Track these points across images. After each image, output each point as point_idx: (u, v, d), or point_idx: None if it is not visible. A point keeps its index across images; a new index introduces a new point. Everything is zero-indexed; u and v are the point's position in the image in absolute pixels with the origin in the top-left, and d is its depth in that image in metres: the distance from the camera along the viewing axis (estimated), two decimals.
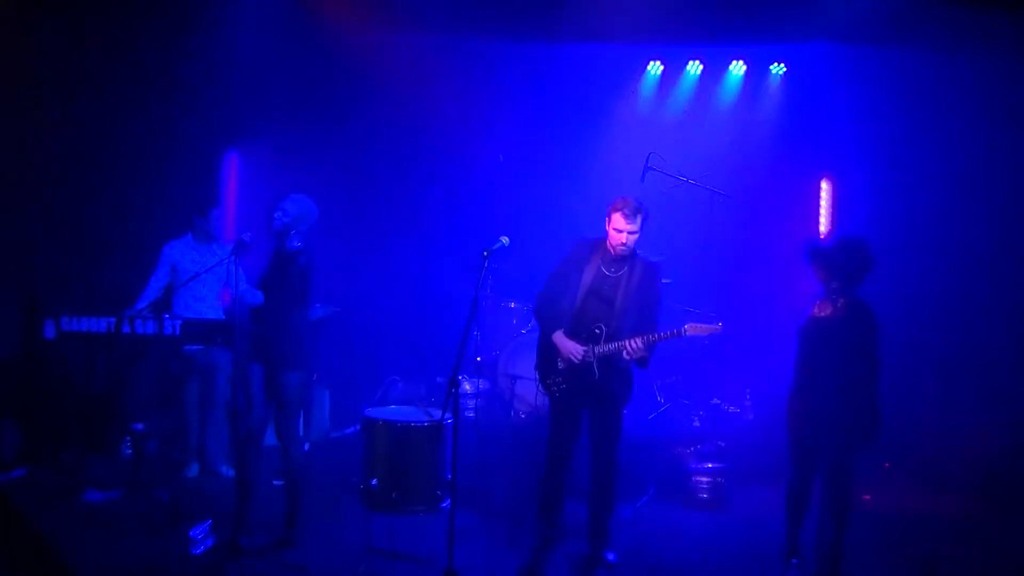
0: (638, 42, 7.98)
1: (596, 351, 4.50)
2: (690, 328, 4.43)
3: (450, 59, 7.78)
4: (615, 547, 4.89)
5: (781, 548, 4.71)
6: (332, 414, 7.50)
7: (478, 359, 6.42)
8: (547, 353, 4.67)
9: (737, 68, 8.20)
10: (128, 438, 6.38)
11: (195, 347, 5.88)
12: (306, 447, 6.38)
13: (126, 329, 5.42)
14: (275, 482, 5.43)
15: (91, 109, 6.58)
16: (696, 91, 8.33)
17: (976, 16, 6.16)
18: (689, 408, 7.08)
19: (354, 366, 7.61)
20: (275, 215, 4.80)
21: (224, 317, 6.04)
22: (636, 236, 4.57)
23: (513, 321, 7.00)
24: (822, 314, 4.52)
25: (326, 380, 7.28)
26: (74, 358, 6.31)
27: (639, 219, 4.55)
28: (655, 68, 8.35)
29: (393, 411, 4.94)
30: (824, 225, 7.95)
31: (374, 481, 4.55)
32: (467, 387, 6.50)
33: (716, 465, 6.14)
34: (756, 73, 8.18)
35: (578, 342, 4.55)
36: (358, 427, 4.85)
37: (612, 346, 4.48)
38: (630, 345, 4.42)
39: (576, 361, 4.53)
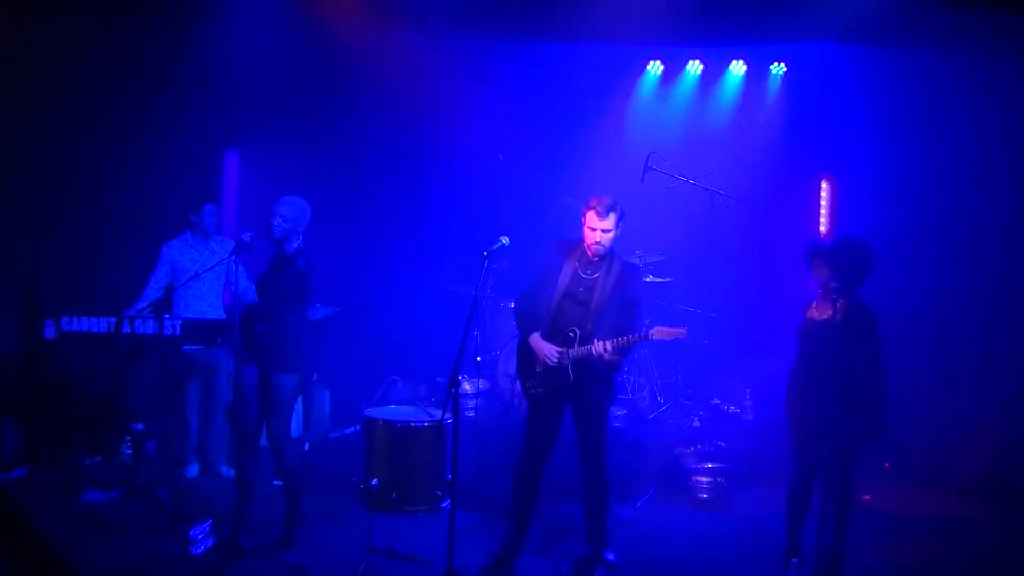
0: (638, 42, 7.98)
1: (570, 354, 4.47)
2: (656, 332, 4.40)
3: (450, 59, 7.77)
4: (615, 547, 4.89)
5: (781, 548, 4.71)
6: (332, 414, 7.49)
7: (478, 359, 6.42)
8: (525, 356, 4.65)
9: (737, 68, 8.20)
10: (128, 438, 6.38)
11: (195, 347, 5.88)
12: (306, 447, 6.39)
13: (126, 329, 5.42)
14: (275, 482, 5.42)
15: (91, 109, 6.58)
16: (696, 91, 8.34)
17: (977, 16, 6.16)
18: (689, 408, 7.08)
19: (354, 366, 7.61)
20: (273, 222, 4.79)
21: (225, 317, 6.05)
22: (611, 235, 4.50)
23: (513, 321, 7.00)
24: (822, 316, 4.50)
25: (326, 380, 7.27)
26: (74, 358, 6.31)
27: (612, 217, 4.48)
28: (655, 68, 8.35)
29: (393, 411, 4.93)
30: (824, 225, 7.95)
31: (374, 481, 4.54)
32: (467, 387, 6.50)
33: (716, 465, 6.13)
34: (756, 73, 8.18)
35: (554, 345, 4.53)
36: (358, 427, 4.84)
37: (585, 349, 4.45)
38: (597, 348, 4.39)
39: (552, 364, 4.51)
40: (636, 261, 4.72)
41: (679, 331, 4.50)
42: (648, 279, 7.30)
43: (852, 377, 4.42)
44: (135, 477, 5.84)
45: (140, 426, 6.17)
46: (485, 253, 4.42)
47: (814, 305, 4.58)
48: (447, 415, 4.39)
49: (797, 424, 4.60)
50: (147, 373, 6.34)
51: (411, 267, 8.14)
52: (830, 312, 4.44)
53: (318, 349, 6.55)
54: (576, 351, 4.47)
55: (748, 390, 7.15)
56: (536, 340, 4.58)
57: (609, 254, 4.58)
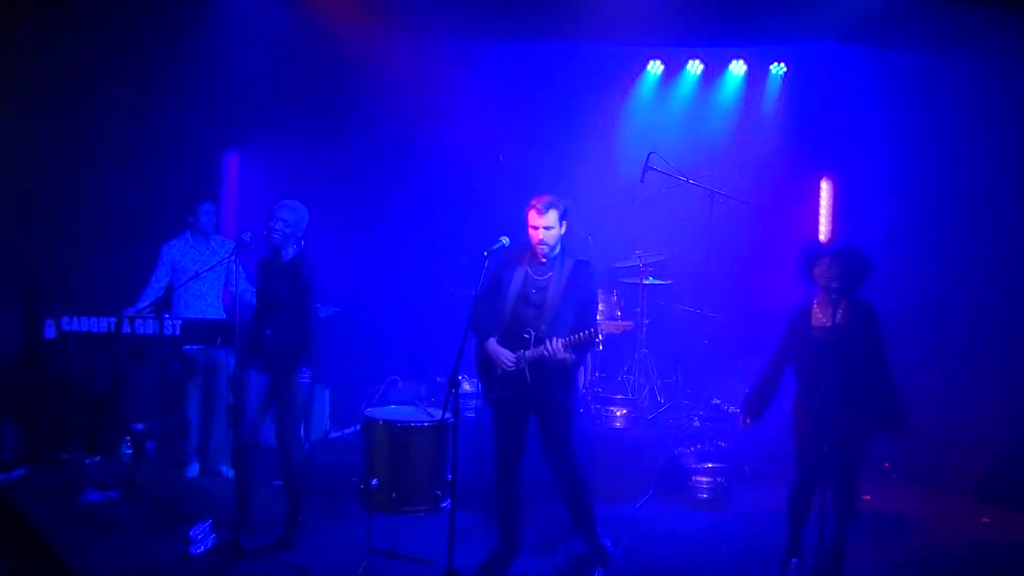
0: (638, 42, 7.99)
1: (526, 356, 4.45)
2: (604, 327, 4.42)
3: (450, 59, 7.78)
4: (615, 547, 4.88)
5: (781, 548, 4.70)
6: (332, 414, 7.50)
7: None
8: (485, 362, 4.63)
9: (737, 68, 8.20)
10: (128, 438, 6.38)
11: (195, 347, 5.89)
12: (306, 447, 6.38)
13: (126, 329, 5.42)
14: (275, 482, 5.43)
15: (91, 109, 6.58)
16: (696, 91, 8.34)
17: (977, 16, 6.15)
18: (689, 408, 7.08)
19: (354, 366, 7.62)
20: (274, 226, 4.79)
21: (225, 317, 6.05)
22: (554, 232, 4.47)
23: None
24: (826, 321, 4.48)
25: (326, 380, 7.28)
26: (74, 358, 6.31)
27: (552, 214, 4.44)
28: (655, 68, 8.35)
29: (393, 411, 4.93)
30: (824, 225, 7.95)
31: (374, 481, 4.54)
32: (467, 387, 6.50)
33: (716, 465, 6.13)
34: (756, 73, 8.19)
35: (510, 349, 4.51)
36: (358, 427, 4.84)
37: (539, 350, 4.43)
38: (548, 347, 4.37)
39: (508, 368, 4.50)
40: (586, 257, 4.64)
41: (626, 323, 4.67)
42: (648, 280, 7.31)
43: (859, 379, 4.42)
44: (135, 477, 5.84)
45: (140, 426, 6.17)
46: (485, 253, 4.42)
47: (816, 310, 4.56)
48: (447, 415, 4.39)
49: (802, 429, 4.58)
50: (147, 373, 6.34)
51: (411, 267, 8.14)
52: (834, 315, 4.44)
53: (318, 349, 6.56)
54: (531, 353, 4.44)
55: (748, 390, 7.12)
56: (491, 345, 4.56)
57: (561, 254, 4.55)
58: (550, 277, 4.51)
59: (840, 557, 4.52)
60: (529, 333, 4.46)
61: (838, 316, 4.46)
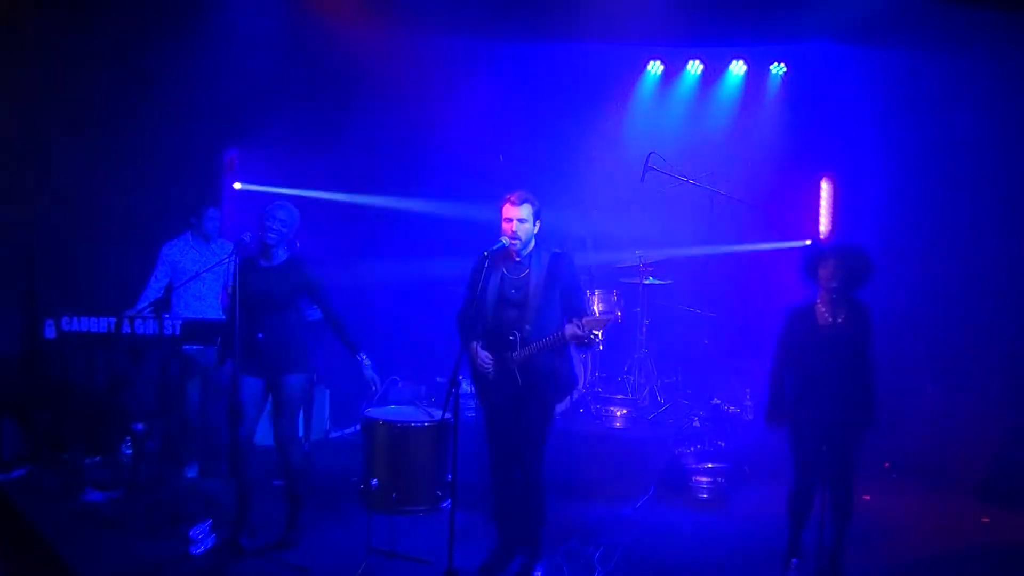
0: (638, 42, 7.99)
1: (515, 357, 4.43)
2: (587, 322, 4.31)
3: (450, 58, 7.78)
4: (615, 547, 4.89)
5: (781, 548, 4.70)
6: (332, 414, 7.50)
7: None
8: (476, 366, 4.60)
9: (737, 68, 8.21)
10: (128, 438, 6.38)
11: (195, 347, 5.89)
12: (306, 447, 6.39)
13: (126, 329, 5.42)
14: (275, 482, 5.43)
15: (91, 108, 6.58)
16: (696, 91, 8.34)
17: (977, 16, 6.16)
18: (689, 408, 7.08)
19: (354, 366, 7.60)
20: (270, 226, 4.74)
21: (224, 317, 6.05)
22: (527, 226, 4.43)
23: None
24: (827, 320, 4.49)
25: (326, 380, 7.28)
26: (74, 358, 6.31)
27: (527, 208, 4.42)
28: (655, 68, 8.36)
29: (393, 411, 4.93)
30: (824, 225, 7.95)
31: (374, 481, 4.54)
32: (467, 387, 6.50)
33: (716, 465, 6.13)
34: (756, 73, 8.19)
35: (496, 351, 4.48)
36: (358, 427, 4.84)
37: (527, 350, 4.40)
38: (570, 330, 4.31)
39: (488, 369, 4.48)
40: (558, 249, 4.59)
41: (609, 317, 4.77)
42: (648, 280, 7.32)
43: (853, 379, 4.44)
44: (135, 477, 5.84)
45: (140, 426, 6.16)
46: (485, 253, 4.42)
47: (820, 309, 4.55)
48: (447, 415, 4.38)
49: (800, 429, 4.58)
50: (147, 373, 6.34)
51: (411, 267, 8.14)
52: (835, 315, 4.44)
53: (318, 349, 6.56)
54: (518, 355, 4.41)
55: (748, 390, 7.15)
56: (474, 350, 4.54)
57: (536, 250, 4.51)
58: (527, 275, 4.46)
59: (839, 557, 4.52)
60: (514, 335, 4.43)
61: (840, 316, 4.46)
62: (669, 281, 7.44)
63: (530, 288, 4.44)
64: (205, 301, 6.16)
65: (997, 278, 6.83)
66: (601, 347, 7.36)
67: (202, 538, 4.77)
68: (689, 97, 8.36)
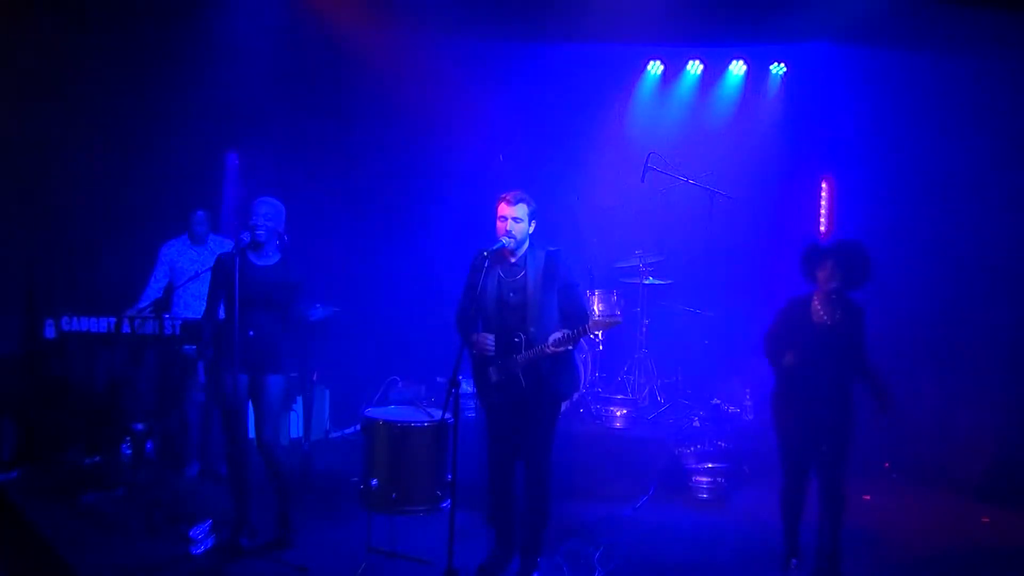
0: (638, 42, 7.99)
1: (519, 360, 4.42)
2: (592, 324, 4.36)
3: (450, 59, 7.78)
4: (616, 547, 4.89)
5: (781, 549, 4.71)
6: (332, 414, 7.50)
7: None
8: (479, 367, 4.57)
9: (737, 68, 8.21)
10: (128, 438, 6.38)
11: (195, 347, 5.89)
12: (306, 447, 6.39)
13: (126, 329, 5.42)
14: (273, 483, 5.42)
15: (91, 109, 6.58)
16: (696, 91, 8.34)
17: (976, 16, 6.16)
18: (689, 408, 7.08)
19: (354, 366, 7.62)
20: (257, 224, 4.68)
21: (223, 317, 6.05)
22: (522, 226, 4.43)
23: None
24: (823, 319, 4.49)
25: (326, 380, 7.27)
26: (74, 358, 6.31)
27: (522, 207, 4.41)
28: (655, 68, 8.36)
29: (393, 411, 4.93)
30: (824, 225, 7.95)
31: (374, 481, 4.54)
32: (467, 387, 6.50)
33: (716, 465, 6.13)
34: (756, 73, 8.19)
35: (501, 355, 4.45)
36: (358, 427, 4.84)
37: (532, 353, 4.39)
38: (552, 343, 4.33)
39: (488, 351, 4.43)
40: (554, 248, 4.57)
41: (614, 319, 4.68)
42: (648, 280, 7.32)
43: (845, 378, 4.46)
44: (135, 477, 5.84)
45: (140, 426, 6.16)
46: (485, 253, 4.41)
47: (816, 305, 4.55)
48: (447, 415, 4.38)
49: (789, 426, 4.59)
50: (147, 373, 6.34)
51: (411, 267, 8.14)
52: (832, 314, 4.45)
53: (318, 349, 6.56)
54: (523, 357, 4.40)
55: (748, 390, 7.15)
56: (477, 338, 4.47)
57: (530, 251, 4.50)
58: (523, 276, 4.45)
59: (837, 556, 4.52)
60: (519, 337, 4.42)
61: (835, 316, 4.47)
62: (669, 281, 7.44)
63: (528, 290, 4.43)
64: (205, 301, 6.16)
65: (997, 278, 6.82)
66: (601, 347, 7.36)
67: (202, 538, 4.77)
68: (689, 97, 8.35)
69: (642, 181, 7.04)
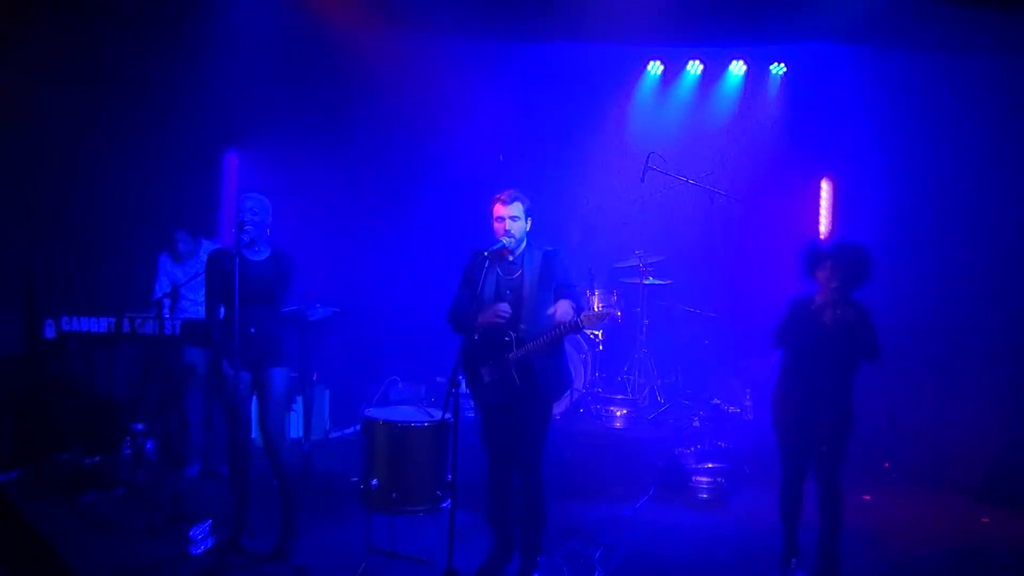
0: (638, 42, 7.99)
1: (512, 358, 4.42)
2: (584, 318, 4.33)
3: (450, 59, 7.78)
4: (616, 547, 4.88)
5: (781, 548, 4.71)
6: (332, 414, 7.50)
7: None
8: (471, 367, 4.55)
9: (737, 68, 8.21)
10: (128, 438, 6.38)
11: (195, 347, 5.91)
12: (306, 447, 6.39)
13: (126, 329, 5.41)
14: (275, 482, 5.42)
15: (91, 109, 6.58)
16: (696, 91, 8.34)
17: (976, 16, 6.16)
18: (689, 408, 7.09)
19: (354, 366, 7.62)
20: (246, 220, 4.65)
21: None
22: (519, 224, 4.43)
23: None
24: (823, 319, 4.49)
25: (326, 380, 7.27)
26: (74, 358, 6.31)
27: (518, 205, 4.42)
28: (655, 68, 8.36)
29: (393, 411, 4.93)
30: (824, 225, 7.96)
31: (374, 481, 4.54)
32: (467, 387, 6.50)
33: (716, 465, 6.13)
34: (756, 73, 8.19)
35: (493, 352, 4.44)
36: (358, 427, 4.84)
37: (524, 350, 4.38)
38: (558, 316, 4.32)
39: (503, 317, 4.37)
40: (550, 247, 4.57)
41: (608, 311, 4.67)
42: (648, 280, 7.32)
43: (845, 378, 4.45)
44: (135, 477, 5.84)
45: (140, 426, 6.16)
46: (485, 253, 4.41)
47: (817, 307, 4.55)
48: (447, 415, 4.38)
49: (788, 424, 4.59)
50: (147, 373, 6.34)
51: (411, 267, 8.15)
52: (833, 315, 4.45)
53: (318, 349, 6.56)
54: (515, 355, 4.40)
55: (748, 390, 7.15)
56: (485, 312, 4.41)
57: (528, 250, 4.50)
58: (520, 275, 4.45)
59: (836, 556, 4.51)
60: (510, 335, 4.41)
61: (836, 316, 4.47)
62: (669, 281, 7.45)
63: (524, 288, 4.43)
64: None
65: (997, 278, 6.83)
66: (601, 347, 7.36)
67: (202, 538, 4.77)
68: (689, 97, 8.35)
69: (642, 181, 7.04)
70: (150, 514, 5.21)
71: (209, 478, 6.17)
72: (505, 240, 4.41)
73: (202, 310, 6.09)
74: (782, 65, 8.12)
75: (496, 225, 4.45)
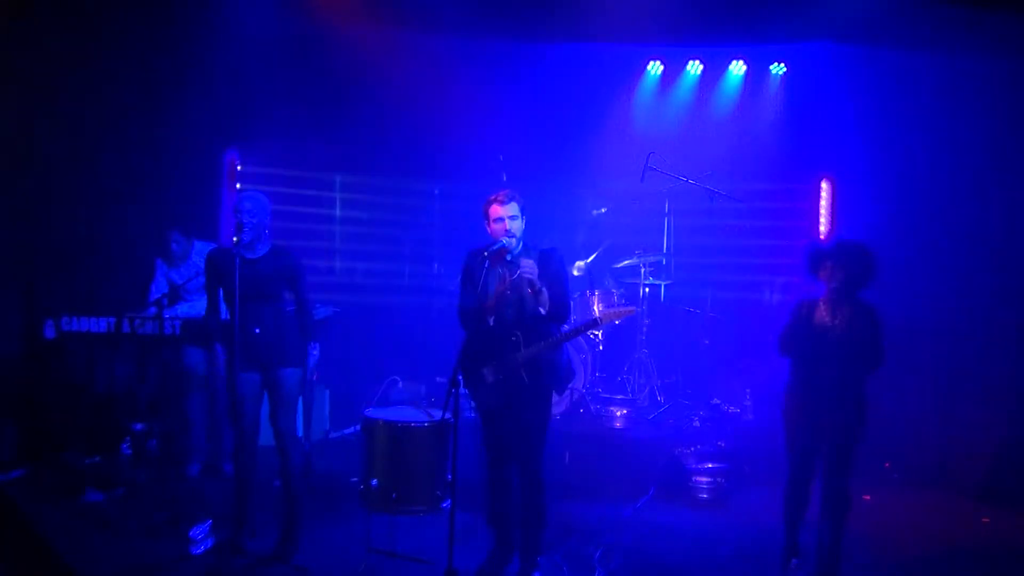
0: (638, 42, 7.98)
1: (519, 359, 4.41)
2: (604, 316, 4.43)
3: (450, 59, 7.78)
4: (616, 547, 4.88)
5: (781, 548, 4.71)
6: (332, 414, 7.50)
7: None
8: (472, 367, 4.52)
9: (737, 68, 8.20)
10: (128, 438, 6.38)
11: (196, 347, 5.92)
12: (306, 447, 6.38)
13: (126, 329, 5.41)
14: (275, 482, 5.42)
15: (91, 108, 6.58)
16: (696, 91, 8.34)
17: (977, 16, 6.15)
18: (689, 408, 7.08)
19: (354, 366, 7.62)
20: (245, 221, 4.63)
21: (225, 316, 6.05)
22: (518, 223, 4.45)
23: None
24: (827, 320, 4.48)
25: (326, 380, 7.27)
26: (74, 358, 6.30)
27: (515, 205, 4.44)
28: (655, 68, 8.35)
29: (393, 411, 4.93)
30: (824, 225, 7.95)
31: (374, 481, 4.54)
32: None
33: (716, 465, 6.13)
34: (756, 73, 8.19)
35: (498, 354, 4.44)
36: (358, 427, 4.84)
37: (533, 350, 4.39)
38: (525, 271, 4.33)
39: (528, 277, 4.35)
40: (550, 245, 4.59)
41: (628, 309, 4.69)
42: (648, 280, 7.32)
43: (852, 378, 4.43)
44: (135, 477, 5.84)
45: (140, 426, 6.17)
46: (485, 253, 4.41)
47: (821, 307, 4.55)
48: (447, 415, 4.38)
49: (796, 425, 4.59)
50: (147, 373, 6.34)
51: (411, 267, 8.15)
52: (834, 315, 4.44)
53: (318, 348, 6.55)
54: (523, 354, 4.40)
55: (748, 390, 7.15)
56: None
57: (524, 249, 4.50)
58: (520, 274, 4.44)
59: (837, 557, 4.51)
60: (516, 335, 4.43)
61: (838, 317, 4.46)
62: (669, 281, 7.44)
63: (525, 287, 4.43)
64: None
65: (997, 278, 6.82)
66: (601, 347, 7.36)
67: (202, 538, 4.77)
68: (689, 98, 8.35)
69: (642, 181, 7.04)
70: (150, 514, 5.21)
71: (211, 476, 6.17)
72: (505, 240, 4.42)
73: (202, 310, 6.13)
74: (782, 65, 8.11)
75: (495, 226, 4.46)
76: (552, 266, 4.48)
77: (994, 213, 6.89)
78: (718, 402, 7.19)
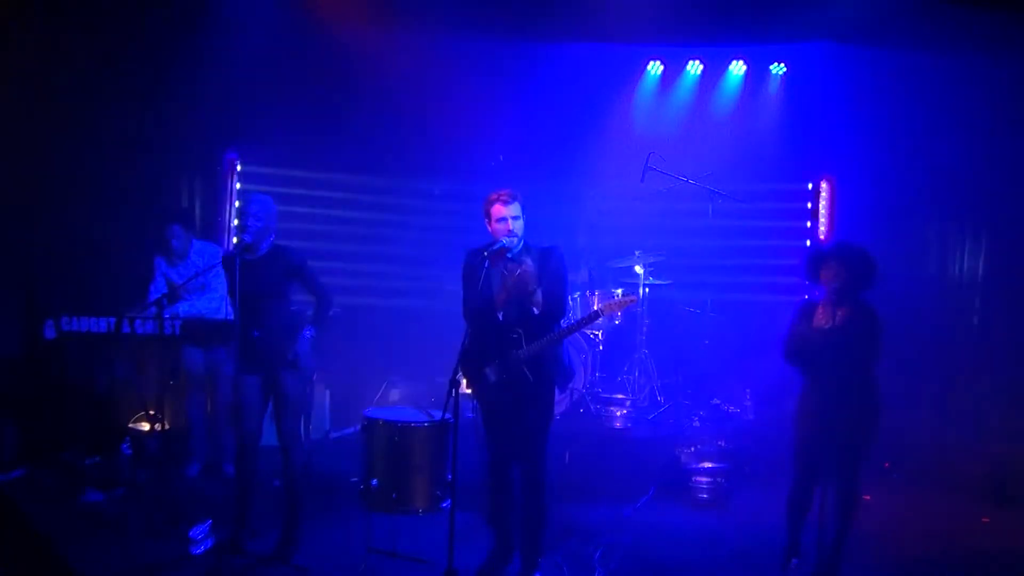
0: (638, 42, 7.99)
1: (523, 356, 4.42)
2: (606, 307, 4.47)
3: (450, 59, 7.78)
4: (616, 548, 4.88)
5: (781, 548, 4.71)
6: (332, 414, 7.50)
7: None
8: (474, 366, 4.53)
9: (737, 68, 8.20)
10: (128, 438, 6.38)
11: (196, 347, 5.91)
12: (306, 447, 6.37)
13: (126, 329, 5.41)
14: (275, 482, 5.42)
15: (91, 109, 6.59)
16: (696, 91, 8.34)
17: (976, 16, 6.16)
18: (689, 408, 7.08)
19: (354, 366, 7.62)
20: (246, 223, 4.65)
21: (225, 316, 6.05)
22: (519, 221, 4.47)
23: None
24: (827, 322, 4.48)
25: (326, 380, 7.27)
26: (74, 358, 6.31)
27: (516, 204, 4.47)
28: (655, 68, 8.35)
29: (393, 411, 4.93)
30: (824, 226, 7.96)
31: (374, 481, 4.55)
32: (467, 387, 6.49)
33: (716, 465, 6.13)
34: (756, 73, 8.19)
35: (501, 351, 4.45)
36: (358, 427, 4.84)
37: (536, 346, 4.41)
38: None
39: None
40: (552, 244, 4.61)
41: (629, 299, 4.71)
42: (648, 280, 7.32)
43: (855, 379, 4.43)
44: (135, 477, 5.84)
45: (140, 426, 6.16)
46: (485, 253, 4.42)
47: (819, 310, 4.54)
48: (447, 415, 4.38)
49: (806, 430, 4.58)
50: (147, 373, 6.34)
51: (411, 267, 8.15)
52: (833, 317, 4.43)
53: (318, 349, 6.55)
54: (527, 350, 4.41)
55: (748, 390, 7.16)
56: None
57: (525, 247, 4.52)
58: (522, 272, 4.45)
59: (839, 557, 4.52)
60: (518, 332, 4.44)
61: (837, 318, 4.45)
62: (669, 281, 7.44)
63: (529, 285, 4.43)
64: (209, 303, 6.16)
65: (997, 278, 6.83)
66: (601, 347, 7.36)
67: (202, 538, 4.77)
68: (689, 98, 8.35)
69: (642, 181, 7.04)
70: (150, 514, 5.21)
71: (211, 476, 6.17)
72: (506, 240, 4.42)
73: (201, 310, 6.13)
74: (782, 65, 8.11)
75: (498, 226, 4.46)
76: (552, 263, 4.49)
77: (995, 213, 6.89)
78: (718, 402, 7.20)
